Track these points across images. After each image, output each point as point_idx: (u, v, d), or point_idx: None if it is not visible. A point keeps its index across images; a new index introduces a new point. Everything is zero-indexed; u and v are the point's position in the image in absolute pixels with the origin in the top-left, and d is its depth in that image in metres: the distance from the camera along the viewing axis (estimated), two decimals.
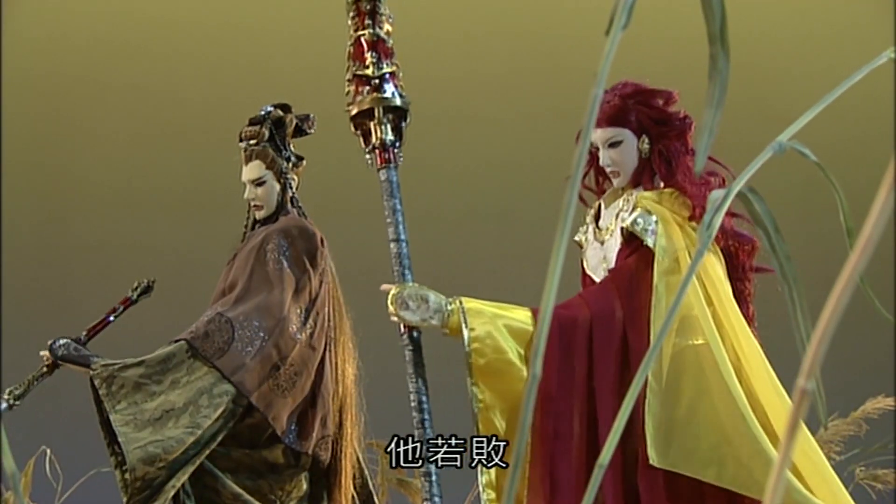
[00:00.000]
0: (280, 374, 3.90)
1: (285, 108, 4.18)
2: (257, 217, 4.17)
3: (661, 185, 3.39)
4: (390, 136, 3.24)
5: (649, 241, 3.27)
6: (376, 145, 3.26)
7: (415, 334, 3.24)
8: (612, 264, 3.39)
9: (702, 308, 3.18)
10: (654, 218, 3.29)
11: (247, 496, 3.88)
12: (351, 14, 3.32)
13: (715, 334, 3.17)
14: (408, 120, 3.29)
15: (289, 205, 4.15)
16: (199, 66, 7.20)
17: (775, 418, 3.16)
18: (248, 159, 4.13)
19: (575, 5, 6.99)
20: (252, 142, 4.12)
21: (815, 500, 3.06)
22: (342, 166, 7.13)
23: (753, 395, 3.18)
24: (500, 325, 3.20)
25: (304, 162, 4.20)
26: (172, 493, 3.73)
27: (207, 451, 3.80)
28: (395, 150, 3.25)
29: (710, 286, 3.25)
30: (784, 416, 3.13)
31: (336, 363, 4.08)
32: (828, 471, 3.18)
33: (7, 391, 4.06)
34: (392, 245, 3.23)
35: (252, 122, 4.15)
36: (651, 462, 3.09)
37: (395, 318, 3.21)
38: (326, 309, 4.08)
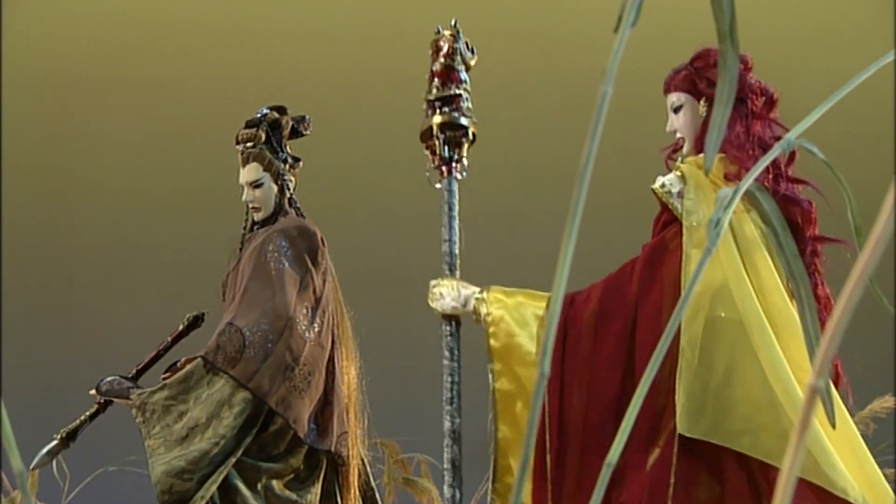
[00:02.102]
0: (295, 375, 3.91)
1: (281, 109, 4.19)
2: (256, 219, 4.18)
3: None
4: (447, 152, 3.52)
5: (676, 205, 3.26)
6: (437, 160, 3.55)
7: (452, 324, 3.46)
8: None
9: (739, 279, 3.15)
10: (683, 181, 3.27)
11: None
12: (430, 50, 3.66)
13: (755, 305, 3.14)
14: (469, 137, 3.54)
15: (287, 206, 4.16)
16: (200, 66, 7.19)
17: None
18: (246, 161, 4.14)
19: (575, 5, 6.99)
20: (249, 144, 4.14)
21: (841, 466, 3.04)
22: (342, 166, 7.13)
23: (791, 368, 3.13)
24: (518, 310, 3.35)
25: (301, 163, 4.21)
26: None
27: (233, 460, 3.84)
28: (454, 164, 3.53)
29: (746, 254, 3.21)
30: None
31: (341, 362, 4.09)
32: (858, 442, 3.16)
33: (61, 430, 4.12)
34: (444, 245, 3.52)
35: (248, 125, 4.16)
36: (680, 431, 3.08)
37: (432, 305, 3.44)
38: (331, 307, 4.09)
